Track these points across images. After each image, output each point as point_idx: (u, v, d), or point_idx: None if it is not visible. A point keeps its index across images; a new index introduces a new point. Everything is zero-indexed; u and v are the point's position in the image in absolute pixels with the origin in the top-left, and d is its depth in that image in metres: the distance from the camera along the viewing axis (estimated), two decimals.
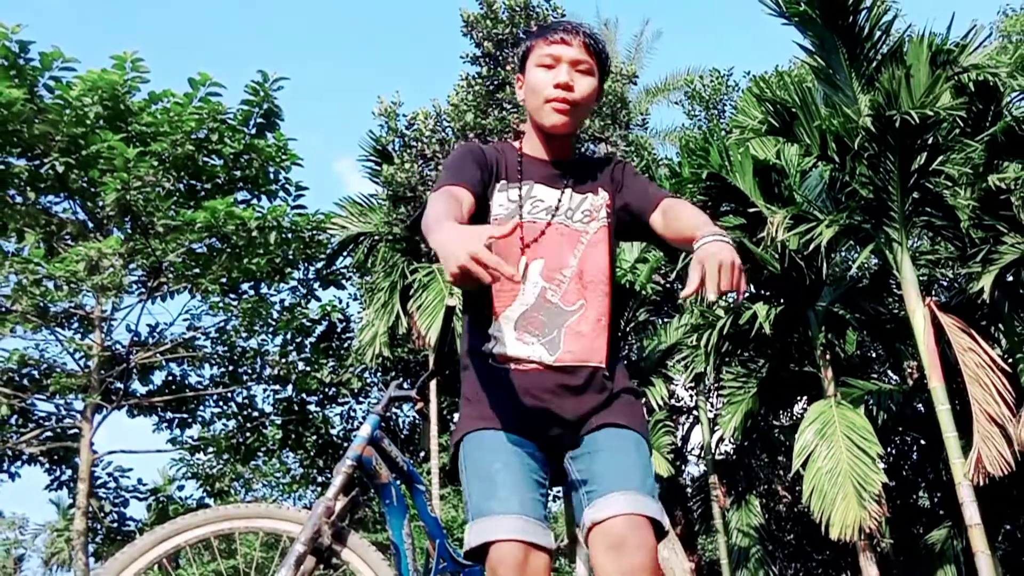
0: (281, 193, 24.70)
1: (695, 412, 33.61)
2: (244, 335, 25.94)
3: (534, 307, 3.91)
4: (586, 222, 4.07)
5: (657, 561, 3.40)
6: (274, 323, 25.84)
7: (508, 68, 29.35)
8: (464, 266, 2.94)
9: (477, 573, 4.79)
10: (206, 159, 23.28)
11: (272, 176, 24.38)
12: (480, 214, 3.97)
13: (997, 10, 45.52)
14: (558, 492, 34.01)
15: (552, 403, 3.83)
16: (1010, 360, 24.15)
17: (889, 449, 32.10)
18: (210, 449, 27.47)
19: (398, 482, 4.24)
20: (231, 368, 26.44)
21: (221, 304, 25.02)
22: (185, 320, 25.68)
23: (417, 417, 33.40)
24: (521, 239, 3.98)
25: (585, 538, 3.60)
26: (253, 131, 23.49)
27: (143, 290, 23.81)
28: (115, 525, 26.25)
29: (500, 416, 3.86)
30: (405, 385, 4.44)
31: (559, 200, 4.09)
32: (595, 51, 4.03)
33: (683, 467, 36.35)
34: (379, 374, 31.26)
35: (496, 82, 29.88)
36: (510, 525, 3.52)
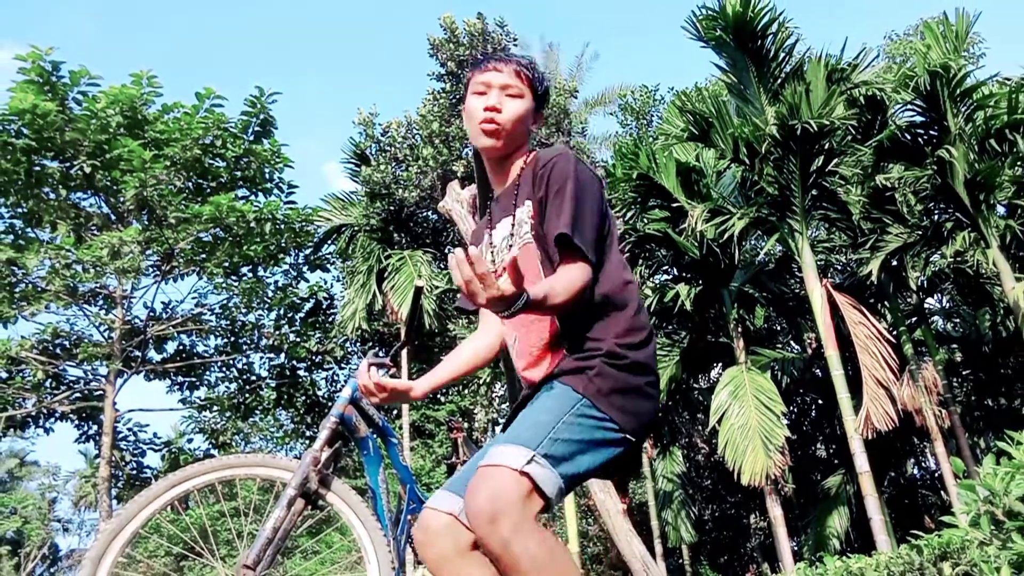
0: (275, 190, 24.78)
1: None
2: (244, 311, 26.01)
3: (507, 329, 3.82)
4: (513, 244, 3.74)
5: (500, 511, 2.90)
6: (269, 301, 25.91)
7: None
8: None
9: None
10: (211, 161, 23.32)
11: (268, 176, 24.45)
12: None
13: (884, 35, 45.62)
14: None
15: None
16: (894, 332, 24.30)
17: (791, 408, 32.23)
18: (215, 408, 27.54)
19: (374, 436, 4.26)
20: (233, 339, 26.49)
21: (224, 284, 25.09)
22: (193, 298, 25.82)
23: None
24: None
25: None
26: (251, 137, 23.55)
27: (158, 272, 23.83)
28: (134, 472, 26.31)
29: None
30: (380, 353, 4.45)
31: (503, 237, 3.83)
32: (526, 76, 3.80)
33: None
34: (358, 344, 31.23)
35: (458, 96, 29.87)
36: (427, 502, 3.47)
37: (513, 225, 3.76)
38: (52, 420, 24.91)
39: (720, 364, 28.29)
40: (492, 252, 3.89)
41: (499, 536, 2.88)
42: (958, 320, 33.05)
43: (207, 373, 27.08)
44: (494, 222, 3.96)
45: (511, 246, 3.74)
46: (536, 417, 3.25)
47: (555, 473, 3.11)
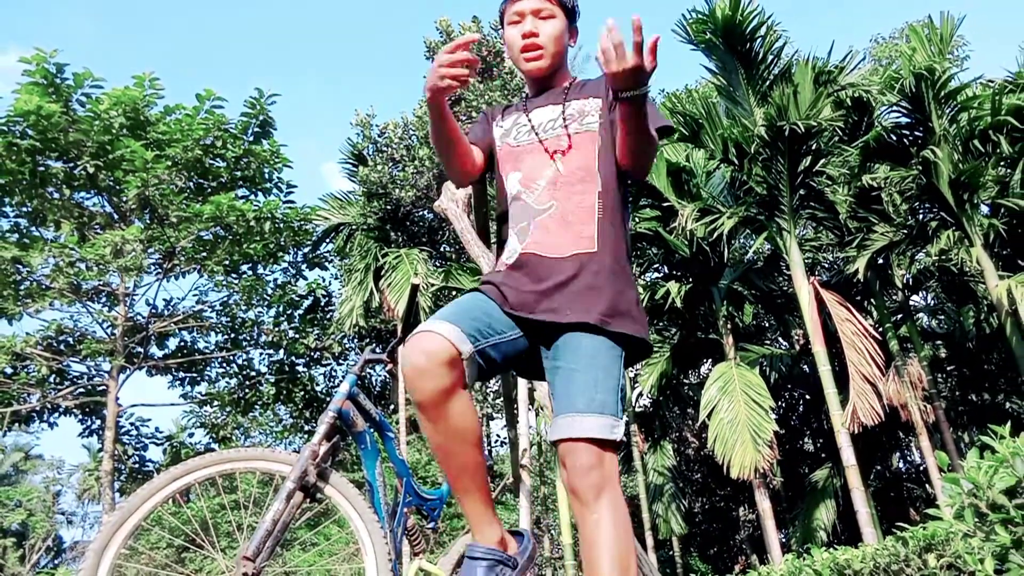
0: (274, 190, 24.90)
1: None
2: (243, 308, 26.15)
3: (513, 206, 3.87)
4: (569, 124, 3.87)
5: (602, 474, 3.23)
6: (268, 298, 26.05)
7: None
8: (438, 74, 3.35)
9: (437, 505, 4.80)
10: (211, 161, 23.40)
11: (267, 176, 24.50)
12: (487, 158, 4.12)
13: (870, 38, 45.65)
14: (504, 440, 33.91)
15: (525, 288, 3.62)
16: (880, 329, 24.33)
17: (779, 403, 32.24)
18: (215, 403, 27.64)
19: (371, 430, 4.27)
20: (233, 335, 26.60)
21: (224, 282, 25.19)
22: (194, 295, 25.98)
23: (387, 376, 33.38)
24: (514, 154, 3.97)
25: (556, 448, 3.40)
26: (251, 138, 23.62)
27: (159, 270, 23.92)
28: (136, 466, 26.45)
29: (492, 288, 3.68)
30: (377, 350, 4.46)
31: (550, 117, 3.96)
32: None
33: None
34: (356, 340, 31.23)
35: (452, 98, 29.90)
36: (429, 325, 3.37)
37: (563, 111, 3.91)
38: (56, 415, 25.03)
39: (710, 360, 28.35)
40: (525, 129, 3.99)
41: (600, 507, 3.19)
42: (943, 317, 33.11)
43: (208, 369, 27.21)
44: (530, 108, 4.06)
45: (565, 126, 3.86)
46: (607, 381, 3.39)
47: (624, 427, 3.38)
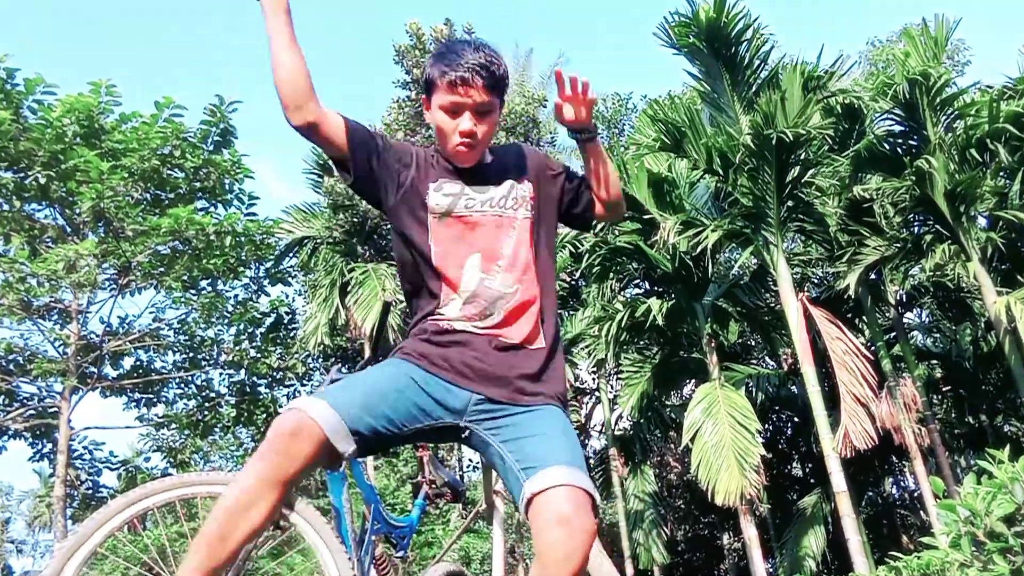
0: (235, 202, 24.72)
1: (597, 393, 33.66)
2: (203, 326, 26.04)
3: (474, 294, 3.61)
4: (515, 208, 3.79)
5: (591, 524, 3.17)
6: (229, 315, 25.91)
7: None
8: None
9: (407, 533, 4.79)
10: (170, 172, 23.28)
11: (227, 187, 24.41)
12: (366, 182, 3.78)
13: (866, 41, 45.78)
14: (477, 464, 33.82)
15: (483, 362, 3.53)
16: (872, 348, 24.41)
17: (767, 425, 32.31)
18: (173, 425, 27.66)
19: None
20: (191, 355, 26.48)
21: (183, 299, 25.07)
22: (151, 313, 25.75)
23: None
24: (465, 227, 3.71)
25: (526, 510, 3.26)
26: (211, 148, 23.52)
27: (115, 286, 23.80)
28: (90, 492, 26.31)
29: (428, 362, 3.55)
30: (344, 370, 4.43)
31: (488, 195, 3.78)
32: (494, 88, 3.68)
33: (586, 441, 36.46)
34: (321, 360, 31.22)
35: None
36: (314, 404, 3.19)
37: (520, 194, 3.87)
38: (5, 438, 24.83)
39: (693, 380, 28.34)
40: (476, 202, 3.80)
41: (587, 554, 3.13)
42: (938, 335, 33.20)
43: (165, 390, 27.06)
44: (468, 180, 3.85)
45: (517, 207, 3.84)
46: (575, 444, 3.45)
47: None
